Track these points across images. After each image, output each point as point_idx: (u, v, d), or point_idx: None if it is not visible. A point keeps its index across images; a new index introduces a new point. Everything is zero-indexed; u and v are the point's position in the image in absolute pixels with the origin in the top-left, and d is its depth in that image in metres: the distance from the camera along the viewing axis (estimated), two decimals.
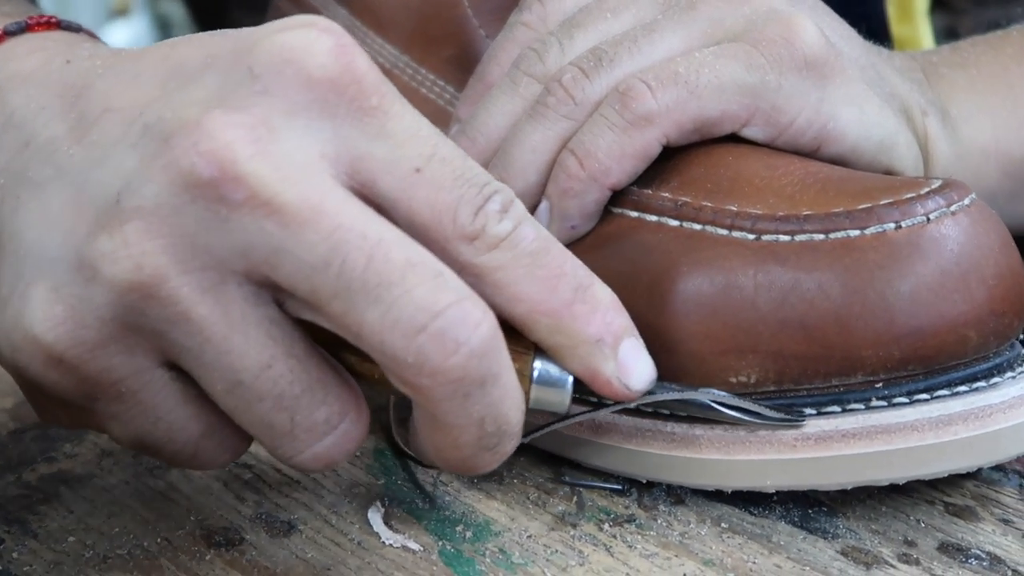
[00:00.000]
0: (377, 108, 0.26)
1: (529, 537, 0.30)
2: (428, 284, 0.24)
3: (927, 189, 0.30)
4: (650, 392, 0.29)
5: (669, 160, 0.33)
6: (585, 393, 0.29)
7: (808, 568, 0.28)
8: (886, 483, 0.29)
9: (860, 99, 0.34)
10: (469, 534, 0.30)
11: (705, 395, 0.29)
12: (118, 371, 0.25)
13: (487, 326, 0.25)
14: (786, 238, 0.30)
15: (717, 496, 0.32)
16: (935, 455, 0.29)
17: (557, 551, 0.29)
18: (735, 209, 0.31)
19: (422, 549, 0.29)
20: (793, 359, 0.29)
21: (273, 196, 0.24)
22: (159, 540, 0.30)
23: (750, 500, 0.31)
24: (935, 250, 0.29)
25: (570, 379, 0.28)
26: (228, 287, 0.25)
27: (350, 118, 0.26)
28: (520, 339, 0.28)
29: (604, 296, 0.28)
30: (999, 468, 0.33)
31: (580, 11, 0.35)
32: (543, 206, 0.33)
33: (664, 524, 0.30)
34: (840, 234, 0.29)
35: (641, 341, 0.29)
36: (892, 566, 0.29)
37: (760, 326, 0.29)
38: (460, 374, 0.24)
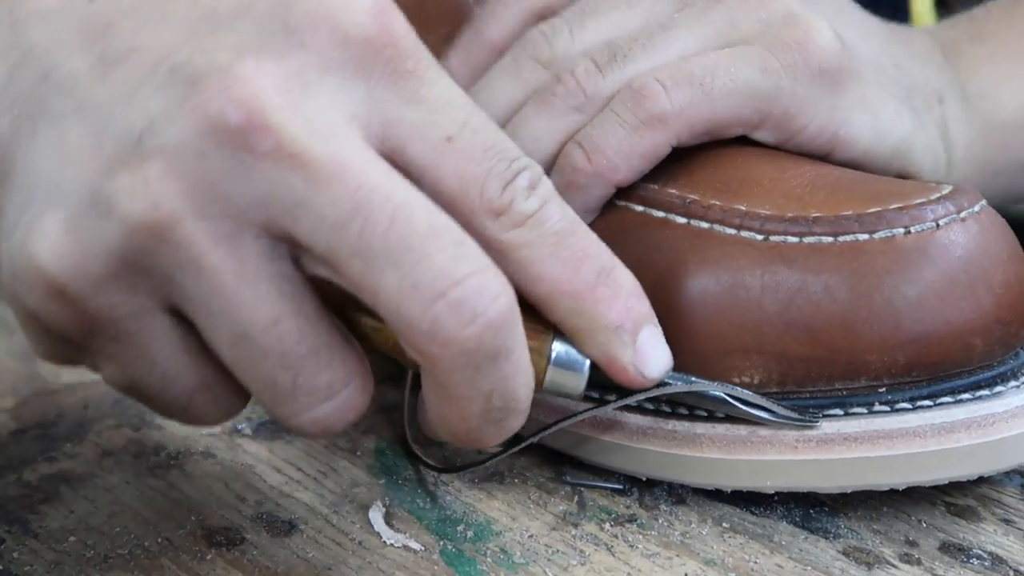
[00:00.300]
0: (412, 72, 0.26)
1: (530, 537, 0.30)
2: (449, 252, 0.24)
3: (937, 195, 0.30)
4: (665, 383, 0.29)
5: (677, 158, 0.33)
6: (597, 382, 0.29)
7: (810, 568, 0.28)
8: (886, 488, 0.29)
9: (874, 104, 0.34)
10: (470, 534, 0.30)
11: (721, 388, 0.29)
12: (119, 310, 0.24)
13: (505, 300, 0.24)
14: (794, 239, 0.30)
15: (718, 496, 0.32)
16: (937, 462, 0.29)
17: (558, 551, 0.29)
18: (744, 209, 0.31)
19: (423, 549, 0.29)
20: (797, 361, 0.29)
21: (301, 149, 0.23)
22: (160, 540, 0.30)
23: (751, 500, 0.31)
24: (943, 256, 0.29)
25: (587, 363, 0.28)
26: (244, 238, 0.24)
27: (384, 80, 0.25)
28: (539, 319, 0.28)
29: (627, 281, 0.28)
30: None
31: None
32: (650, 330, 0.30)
33: (665, 524, 0.30)
34: (849, 237, 0.29)
35: (659, 329, 0.28)
36: (894, 566, 0.28)
37: (765, 327, 0.29)
38: (474, 345, 0.24)
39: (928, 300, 0.28)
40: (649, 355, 0.28)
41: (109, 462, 0.35)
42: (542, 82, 0.33)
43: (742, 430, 0.30)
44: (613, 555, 0.29)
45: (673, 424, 0.30)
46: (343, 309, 0.26)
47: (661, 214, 0.32)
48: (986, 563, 0.29)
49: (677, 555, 0.29)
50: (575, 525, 0.30)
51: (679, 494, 0.32)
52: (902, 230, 0.29)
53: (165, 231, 0.24)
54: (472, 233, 0.25)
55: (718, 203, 0.31)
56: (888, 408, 0.29)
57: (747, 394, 0.29)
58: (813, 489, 0.30)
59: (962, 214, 0.29)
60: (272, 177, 0.24)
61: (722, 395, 0.29)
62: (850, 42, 0.34)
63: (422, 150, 0.26)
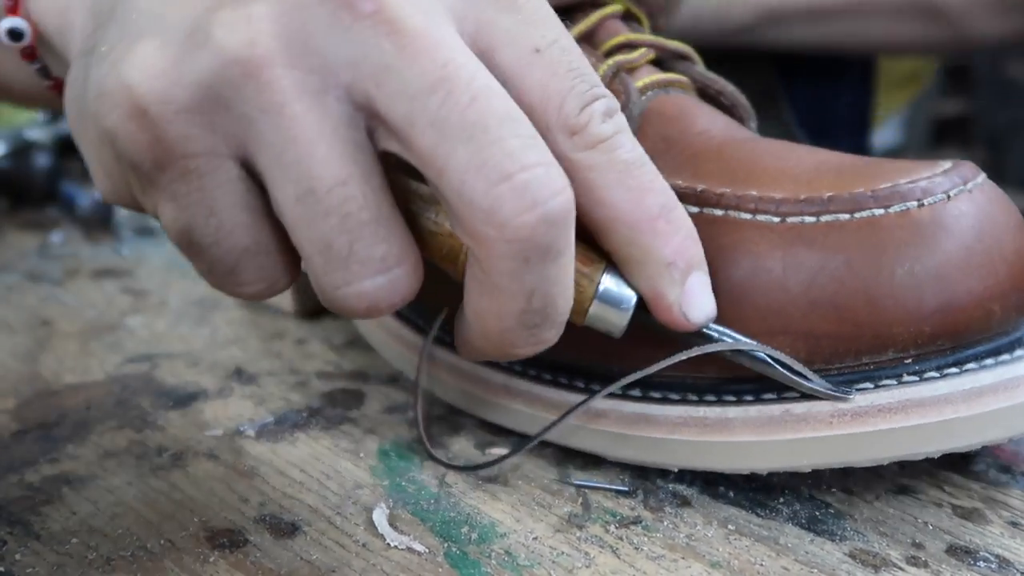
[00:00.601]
0: None
1: (535, 539, 0.30)
2: (522, 140, 0.24)
3: (941, 169, 0.30)
4: (707, 337, 0.29)
5: (678, 159, 0.33)
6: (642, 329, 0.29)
7: (816, 570, 0.28)
8: (922, 456, 0.29)
9: None
10: (475, 536, 0.30)
11: (763, 349, 0.29)
12: (194, 145, 0.25)
13: (564, 198, 0.25)
14: (811, 219, 0.30)
15: (724, 497, 0.31)
16: (969, 427, 0.29)
17: (563, 553, 0.29)
18: (756, 194, 0.31)
19: (427, 551, 0.29)
20: (824, 338, 0.29)
21: (399, 17, 0.24)
22: (162, 542, 0.30)
23: (757, 502, 0.31)
24: (958, 227, 0.29)
25: (634, 299, 0.29)
26: (328, 97, 0.25)
27: None
28: (593, 249, 0.28)
29: (686, 223, 0.28)
30: (1007, 470, 0.33)
31: None
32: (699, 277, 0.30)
33: (671, 526, 0.30)
34: (865, 213, 0.29)
35: (708, 279, 0.29)
36: (900, 568, 0.28)
37: (790, 307, 0.29)
38: (527, 234, 0.24)
39: (948, 270, 0.29)
40: (695, 298, 0.28)
41: (111, 463, 0.34)
42: None
43: (775, 410, 0.30)
44: (618, 557, 0.29)
45: (704, 411, 0.31)
46: (405, 208, 0.27)
47: None
48: (993, 566, 0.28)
49: (683, 557, 0.29)
50: (580, 527, 0.30)
51: (684, 496, 0.32)
52: (915, 203, 0.29)
53: (255, 70, 0.24)
54: (550, 146, 0.26)
55: (729, 191, 0.31)
56: (917, 378, 0.29)
57: (788, 358, 0.29)
58: (848, 464, 0.30)
59: (968, 186, 0.30)
60: (367, 39, 0.24)
61: (764, 355, 0.29)
62: None
63: (510, 57, 0.26)
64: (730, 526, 0.30)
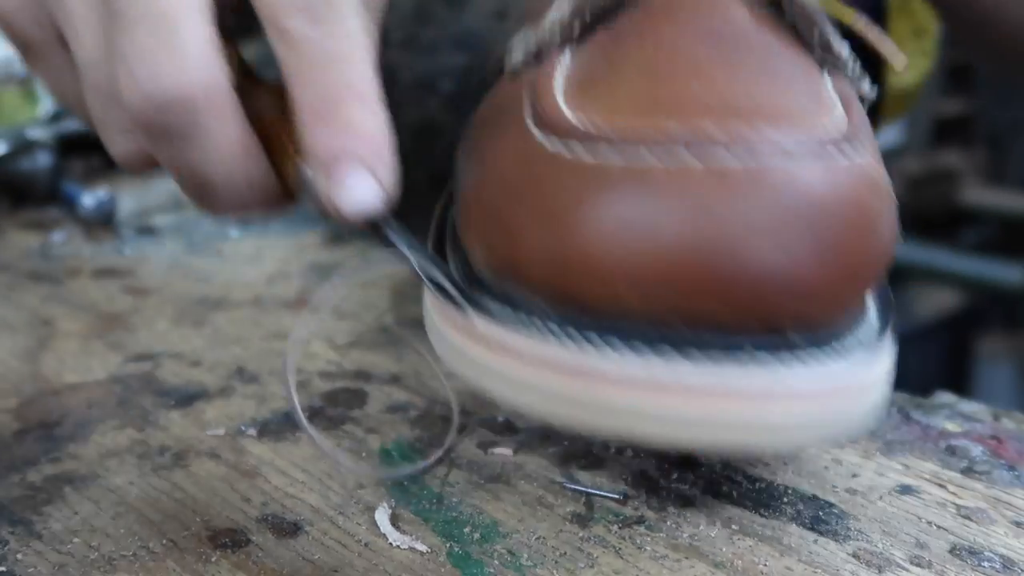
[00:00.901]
0: None
1: (538, 539, 0.30)
2: (153, 34, 0.27)
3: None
4: (381, 229, 0.28)
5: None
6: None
7: (819, 571, 0.28)
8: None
9: None
10: (477, 535, 0.30)
11: (416, 254, 0.28)
12: (37, 29, 0.31)
13: (178, 87, 0.27)
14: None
15: (727, 497, 0.31)
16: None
17: (566, 553, 0.29)
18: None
19: (430, 551, 0.29)
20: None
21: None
22: (165, 542, 0.30)
23: (760, 502, 0.31)
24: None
25: None
26: None
27: None
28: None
29: (353, 116, 0.28)
30: (1011, 469, 0.33)
31: None
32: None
33: (674, 526, 0.30)
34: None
35: (373, 176, 0.28)
36: (904, 569, 0.28)
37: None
38: (140, 114, 0.28)
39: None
40: (345, 189, 0.28)
41: (113, 463, 0.34)
42: None
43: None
44: (621, 557, 0.29)
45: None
46: None
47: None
48: (997, 566, 0.28)
49: (686, 557, 0.29)
50: (583, 527, 0.30)
51: (687, 496, 0.32)
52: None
53: None
54: (272, 41, 0.29)
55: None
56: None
57: (434, 265, 0.28)
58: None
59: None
60: None
61: (410, 259, 0.28)
62: None
63: None
64: (733, 526, 0.30)
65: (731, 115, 0.26)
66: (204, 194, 0.30)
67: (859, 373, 0.26)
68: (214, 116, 0.28)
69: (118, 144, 0.31)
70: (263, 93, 0.31)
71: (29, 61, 0.33)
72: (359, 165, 0.28)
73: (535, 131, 0.27)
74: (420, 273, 0.28)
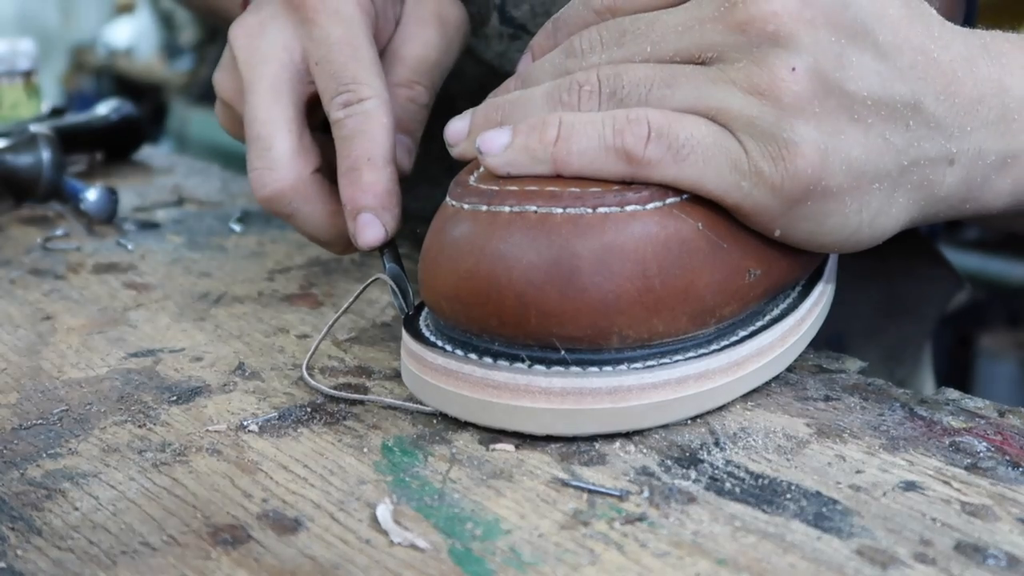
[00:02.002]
0: (310, 20, 0.43)
1: (540, 535, 0.30)
2: (256, 151, 0.43)
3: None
4: (383, 255, 0.42)
5: None
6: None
7: (823, 567, 0.28)
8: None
9: (826, 213, 0.35)
10: (479, 532, 0.30)
11: (390, 269, 0.42)
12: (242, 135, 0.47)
13: (271, 189, 0.43)
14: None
15: (730, 494, 0.31)
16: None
17: (568, 550, 0.29)
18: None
19: (431, 547, 0.29)
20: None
21: (241, 70, 0.44)
22: (165, 538, 0.30)
23: (763, 498, 0.31)
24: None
25: None
26: None
27: (299, 23, 0.44)
28: None
29: (366, 180, 0.41)
30: (1016, 466, 0.33)
31: (632, 20, 0.37)
32: (507, 131, 0.36)
33: (676, 523, 0.30)
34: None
35: (380, 220, 0.42)
36: (908, 566, 0.28)
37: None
38: (259, 203, 0.44)
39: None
40: (360, 230, 0.42)
41: (113, 458, 0.34)
42: (562, 84, 0.37)
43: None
44: (624, 554, 0.29)
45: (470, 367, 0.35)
46: None
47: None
48: (1002, 563, 0.28)
49: (688, 554, 0.29)
50: (585, 524, 0.30)
51: (690, 492, 0.31)
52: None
53: (228, 105, 0.47)
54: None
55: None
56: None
57: (401, 280, 0.41)
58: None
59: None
60: (238, 77, 0.45)
61: (386, 277, 0.41)
62: (845, 153, 0.34)
63: (311, 68, 0.44)
64: (736, 523, 0.30)
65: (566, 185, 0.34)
66: (320, 243, 0.46)
67: (593, 382, 0.33)
68: (303, 201, 0.44)
69: None
70: None
71: None
72: (371, 214, 0.42)
73: (447, 199, 0.37)
74: (390, 286, 0.41)
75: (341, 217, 0.43)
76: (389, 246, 0.42)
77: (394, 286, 0.41)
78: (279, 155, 0.43)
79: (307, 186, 0.43)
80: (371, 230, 0.41)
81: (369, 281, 0.42)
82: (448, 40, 0.47)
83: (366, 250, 0.42)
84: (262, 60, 0.43)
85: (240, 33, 0.45)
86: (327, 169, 0.44)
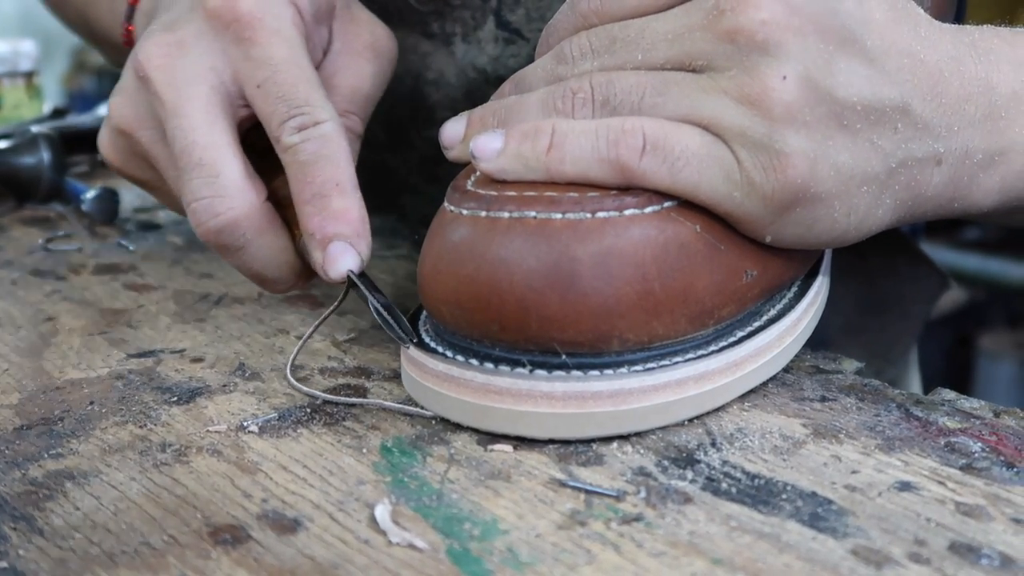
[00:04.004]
0: (248, 39, 0.40)
1: (537, 536, 0.30)
2: (202, 180, 0.39)
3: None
4: (357, 286, 0.39)
5: None
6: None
7: (818, 567, 0.28)
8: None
9: (817, 217, 0.35)
10: (477, 532, 0.30)
11: (376, 298, 0.38)
12: (140, 172, 0.45)
13: (223, 219, 0.39)
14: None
15: (726, 494, 0.31)
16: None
17: (565, 550, 0.29)
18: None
19: (429, 547, 0.29)
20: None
21: (161, 94, 0.40)
22: (165, 538, 0.30)
23: (759, 499, 0.31)
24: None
25: None
26: (167, 140, 0.41)
27: (232, 43, 0.41)
28: None
29: (335, 207, 0.39)
30: (1010, 466, 0.33)
31: (622, 27, 0.37)
32: (500, 136, 0.36)
33: (673, 523, 0.30)
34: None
35: (355, 249, 0.39)
36: (902, 566, 0.28)
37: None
38: (206, 239, 0.40)
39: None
40: (332, 260, 0.39)
41: (114, 459, 0.35)
42: (556, 90, 0.37)
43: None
44: (620, 554, 0.29)
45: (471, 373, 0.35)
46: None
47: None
48: (996, 563, 0.28)
49: (685, 554, 0.29)
50: (582, 524, 0.30)
51: (686, 492, 0.32)
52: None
53: (130, 137, 0.43)
54: (275, 148, 0.40)
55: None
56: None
57: (386, 306, 0.38)
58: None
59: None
60: (155, 107, 0.41)
61: (372, 303, 0.38)
62: (834, 159, 0.34)
63: (247, 91, 0.41)
64: (732, 523, 0.30)
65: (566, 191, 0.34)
66: (261, 282, 0.42)
67: (595, 386, 0.34)
68: (256, 232, 0.40)
69: None
70: (282, 183, 0.41)
71: (148, 192, 0.46)
72: (345, 243, 0.39)
73: (444, 203, 0.36)
74: (375, 315, 0.38)
75: (291, 250, 0.41)
76: (362, 276, 0.39)
77: (388, 318, 0.38)
78: (229, 182, 0.39)
79: (261, 215, 0.40)
80: (345, 259, 0.38)
81: (341, 298, 0.41)
82: (382, 72, 0.46)
83: (337, 282, 0.39)
84: (188, 81, 0.40)
85: (157, 53, 0.40)
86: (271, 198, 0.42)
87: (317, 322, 0.41)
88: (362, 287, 0.38)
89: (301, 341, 0.42)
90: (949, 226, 2.04)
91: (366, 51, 0.45)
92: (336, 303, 0.41)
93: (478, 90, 0.53)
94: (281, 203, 0.41)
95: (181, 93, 0.40)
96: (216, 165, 0.39)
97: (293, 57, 0.40)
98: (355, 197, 0.39)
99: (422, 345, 0.36)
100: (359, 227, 0.39)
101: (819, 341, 0.42)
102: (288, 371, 0.40)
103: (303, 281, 0.42)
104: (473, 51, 0.55)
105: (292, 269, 0.41)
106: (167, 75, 0.40)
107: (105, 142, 0.44)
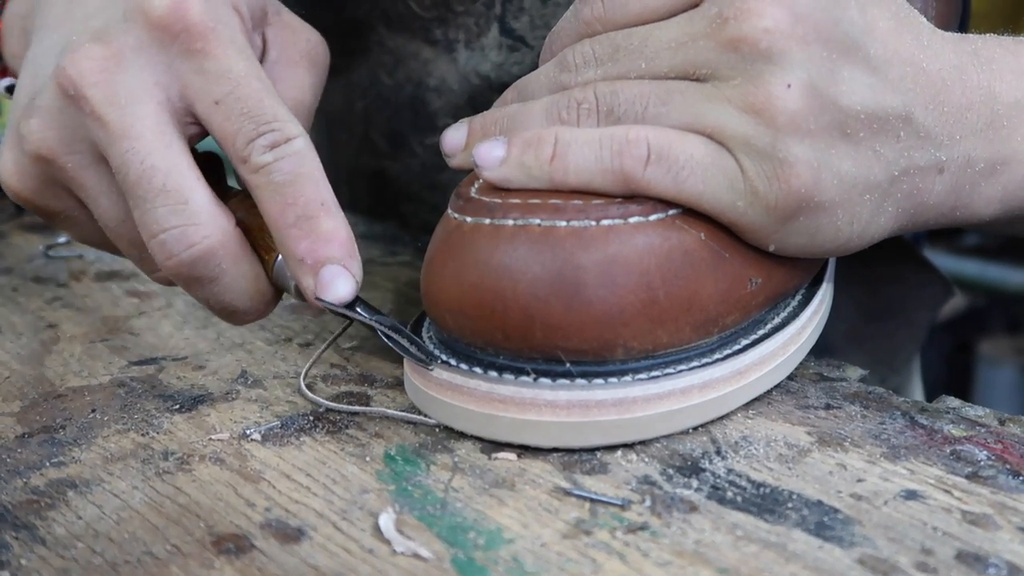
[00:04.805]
0: (200, 51, 0.36)
1: (542, 545, 0.30)
2: (168, 208, 0.35)
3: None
4: (354, 310, 0.36)
5: None
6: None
7: None
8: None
9: (820, 226, 0.35)
10: (481, 541, 0.30)
11: (377, 323, 0.36)
12: (57, 203, 0.39)
13: (199, 248, 0.35)
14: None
15: (732, 503, 0.31)
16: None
17: (570, 559, 0.29)
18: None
19: (434, 557, 0.29)
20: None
21: (102, 114, 0.35)
22: (168, 547, 0.30)
23: (765, 508, 0.31)
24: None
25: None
26: (101, 165, 0.37)
27: (180, 55, 0.36)
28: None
29: (324, 228, 0.36)
30: (1016, 475, 0.33)
31: (625, 36, 0.37)
32: (502, 144, 0.36)
33: (678, 532, 0.30)
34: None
35: (349, 271, 0.36)
36: (909, 575, 0.28)
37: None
38: (175, 272, 0.36)
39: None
40: (326, 285, 0.36)
41: (116, 467, 0.34)
42: (560, 100, 0.37)
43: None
44: (626, 563, 0.29)
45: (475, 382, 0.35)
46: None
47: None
48: (1003, 572, 0.28)
49: (691, 564, 0.29)
50: (587, 533, 0.30)
51: (692, 502, 0.31)
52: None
53: (53, 161, 0.37)
54: (235, 171, 0.37)
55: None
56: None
57: (396, 328, 0.37)
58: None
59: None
60: (92, 128, 0.36)
61: (378, 328, 0.36)
62: (837, 168, 0.34)
63: (201, 109, 0.36)
64: (738, 532, 0.30)
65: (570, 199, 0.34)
66: (230, 314, 0.39)
67: (599, 394, 0.33)
68: (231, 260, 0.36)
69: (157, 275, 0.40)
70: (237, 205, 0.37)
71: (52, 224, 0.41)
72: (338, 266, 0.36)
73: (448, 210, 0.36)
74: (387, 340, 0.37)
75: (263, 277, 0.38)
76: (358, 299, 0.36)
77: (401, 340, 0.36)
78: (200, 207, 0.35)
79: (234, 242, 0.36)
80: (341, 283, 0.36)
81: (345, 326, 0.40)
82: (320, 82, 0.43)
83: (336, 308, 0.36)
84: (133, 99, 0.35)
85: (92, 68, 0.35)
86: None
87: (324, 345, 0.41)
88: (354, 311, 0.36)
89: (311, 360, 0.41)
90: (949, 232, 2.04)
91: (303, 60, 0.42)
92: (341, 329, 0.41)
93: (481, 97, 0.53)
94: (249, 232, 0.38)
95: (126, 113, 0.35)
96: (183, 191, 0.35)
97: (252, 69, 0.36)
98: (341, 216, 0.36)
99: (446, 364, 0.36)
100: (350, 247, 0.36)
101: (824, 348, 0.42)
102: (302, 382, 0.40)
103: (270, 309, 0.39)
104: (476, 58, 0.55)
105: (263, 298, 0.38)
106: (107, 93, 0.35)
107: (11, 169, 0.38)
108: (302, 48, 0.42)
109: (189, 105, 0.36)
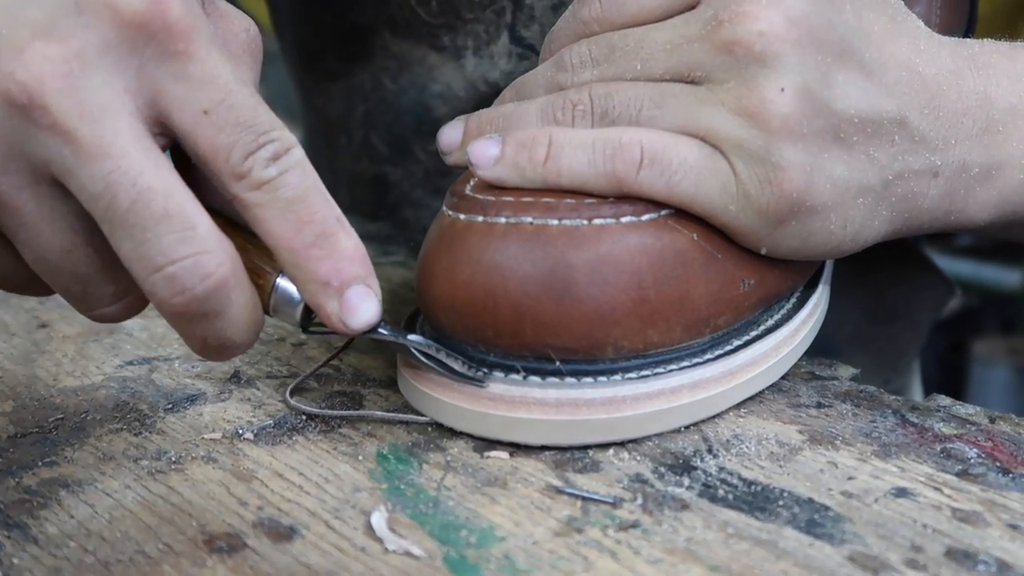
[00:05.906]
0: (183, 52, 0.30)
1: (534, 543, 0.30)
2: (175, 235, 0.30)
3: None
4: (377, 331, 0.33)
5: None
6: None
7: (815, 574, 0.28)
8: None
9: (812, 231, 0.35)
10: (473, 539, 0.30)
11: (414, 343, 0.35)
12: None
13: (215, 279, 0.30)
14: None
15: (723, 501, 0.31)
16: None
17: (562, 557, 0.29)
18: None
19: (426, 555, 0.29)
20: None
21: (70, 128, 0.29)
22: (161, 546, 0.30)
23: (756, 505, 0.31)
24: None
25: (302, 301, 0.33)
26: (41, 186, 0.30)
27: (156, 58, 0.30)
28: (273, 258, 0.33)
29: (346, 246, 0.32)
30: (1006, 472, 0.33)
31: (621, 37, 0.37)
32: (497, 143, 0.36)
33: (670, 529, 0.30)
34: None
35: (372, 290, 0.33)
36: (899, 572, 0.28)
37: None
38: (183, 311, 0.31)
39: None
40: (353, 309, 0.32)
41: (109, 466, 0.34)
42: (556, 101, 0.37)
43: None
44: (617, 561, 0.29)
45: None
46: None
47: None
48: (992, 569, 0.28)
49: (682, 561, 0.29)
50: (579, 531, 0.30)
51: (683, 499, 0.32)
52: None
53: None
54: (224, 190, 0.31)
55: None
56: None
57: (432, 348, 0.35)
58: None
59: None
60: (50, 145, 0.29)
61: (411, 348, 0.35)
62: (829, 172, 0.34)
63: (183, 120, 0.31)
64: (729, 529, 0.30)
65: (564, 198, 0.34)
66: (223, 351, 0.33)
67: (588, 393, 0.34)
68: (239, 289, 0.32)
69: (100, 311, 0.34)
70: (228, 229, 0.33)
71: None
72: (362, 285, 0.33)
73: (443, 208, 0.36)
74: (421, 357, 0.35)
75: (259, 307, 0.33)
76: (382, 322, 0.34)
77: (440, 358, 0.35)
78: (207, 233, 0.30)
79: (241, 269, 0.32)
80: (368, 305, 0.33)
81: (346, 343, 0.40)
82: (258, 75, 0.37)
83: (362, 332, 0.33)
84: (105, 110, 0.29)
85: (50, 71, 0.29)
86: None
87: (327, 358, 0.41)
88: (379, 332, 0.34)
89: (310, 372, 0.41)
90: (943, 233, 2.04)
91: (245, 55, 0.36)
92: (344, 344, 0.41)
93: (488, 104, 0.54)
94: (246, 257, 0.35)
95: (100, 127, 0.29)
96: (187, 215, 0.30)
97: (238, 74, 0.32)
98: (353, 231, 0.33)
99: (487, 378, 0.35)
100: (368, 263, 0.33)
101: (827, 351, 0.42)
102: (288, 394, 0.39)
103: (256, 340, 0.35)
104: (485, 65, 0.55)
105: (258, 328, 0.34)
106: (73, 102, 0.29)
107: None
108: (242, 41, 0.36)
109: (161, 115, 0.31)
